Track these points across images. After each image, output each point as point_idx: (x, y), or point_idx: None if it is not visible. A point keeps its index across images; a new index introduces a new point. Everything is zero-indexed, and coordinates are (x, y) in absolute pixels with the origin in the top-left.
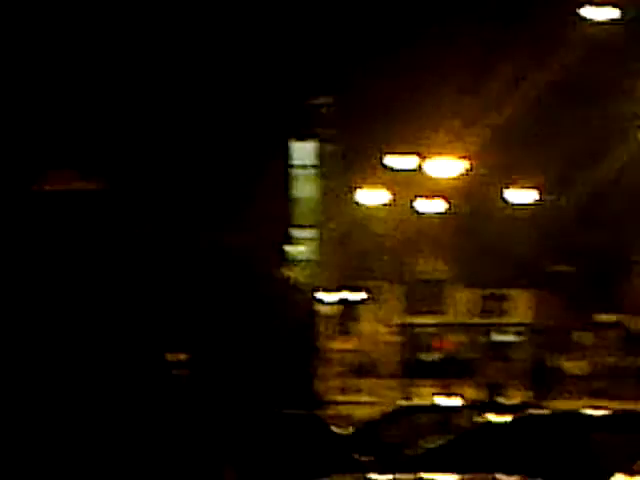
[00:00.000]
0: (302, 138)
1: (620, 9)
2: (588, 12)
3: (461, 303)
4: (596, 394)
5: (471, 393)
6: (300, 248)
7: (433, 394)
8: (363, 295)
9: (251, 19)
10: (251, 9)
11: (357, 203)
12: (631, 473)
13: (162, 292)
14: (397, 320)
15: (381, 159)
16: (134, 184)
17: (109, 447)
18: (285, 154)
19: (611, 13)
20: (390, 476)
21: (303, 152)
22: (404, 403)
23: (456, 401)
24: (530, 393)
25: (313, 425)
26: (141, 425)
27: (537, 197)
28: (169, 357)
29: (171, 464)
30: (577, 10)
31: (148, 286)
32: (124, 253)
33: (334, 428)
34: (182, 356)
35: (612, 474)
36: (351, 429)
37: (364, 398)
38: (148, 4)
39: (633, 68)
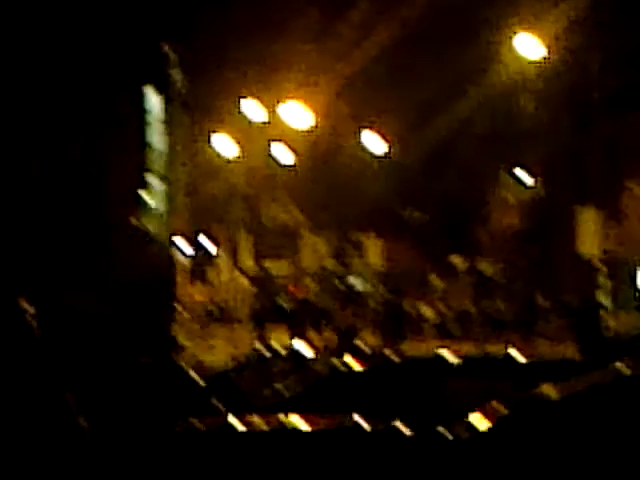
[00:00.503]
0: (153, 86)
1: None
2: None
3: (315, 249)
4: (450, 337)
5: (327, 338)
6: (153, 197)
7: (290, 340)
8: (217, 243)
9: None
10: None
11: (210, 152)
12: (484, 413)
13: (10, 238)
14: (251, 267)
15: (234, 108)
16: None
17: None
18: (136, 102)
19: None
20: (248, 418)
21: (155, 101)
22: (259, 349)
23: (312, 347)
24: (386, 337)
25: (170, 371)
26: None
27: (389, 144)
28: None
29: (18, 412)
30: None
31: None
32: None
33: (190, 374)
34: (29, 305)
35: (466, 415)
36: (208, 375)
37: (220, 344)
38: None
39: (481, 16)
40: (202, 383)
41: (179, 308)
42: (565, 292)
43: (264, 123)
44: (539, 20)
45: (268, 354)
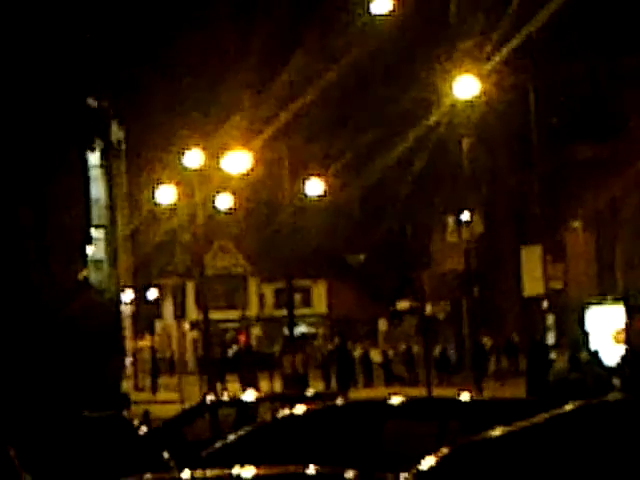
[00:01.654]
0: (94, 140)
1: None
2: (373, 6)
3: (259, 296)
4: (395, 380)
5: (273, 385)
6: (96, 248)
7: (239, 388)
8: (160, 292)
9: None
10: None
11: (149, 201)
12: (436, 458)
13: None
14: (196, 316)
15: (175, 158)
16: None
17: None
18: (78, 155)
19: (390, 4)
20: (197, 472)
21: (96, 154)
22: (207, 398)
23: (258, 394)
24: (332, 383)
25: (117, 425)
26: None
27: (327, 188)
28: None
29: None
30: (361, 4)
31: None
32: None
33: (138, 427)
34: None
35: (415, 461)
36: (155, 427)
37: (167, 395)
38: None
39: (417, 55)
40: (151, 436)
41: (128, 360)
42: (511, 332)
43: (206, 172)
44: (475, 60)
45: (216, 403)
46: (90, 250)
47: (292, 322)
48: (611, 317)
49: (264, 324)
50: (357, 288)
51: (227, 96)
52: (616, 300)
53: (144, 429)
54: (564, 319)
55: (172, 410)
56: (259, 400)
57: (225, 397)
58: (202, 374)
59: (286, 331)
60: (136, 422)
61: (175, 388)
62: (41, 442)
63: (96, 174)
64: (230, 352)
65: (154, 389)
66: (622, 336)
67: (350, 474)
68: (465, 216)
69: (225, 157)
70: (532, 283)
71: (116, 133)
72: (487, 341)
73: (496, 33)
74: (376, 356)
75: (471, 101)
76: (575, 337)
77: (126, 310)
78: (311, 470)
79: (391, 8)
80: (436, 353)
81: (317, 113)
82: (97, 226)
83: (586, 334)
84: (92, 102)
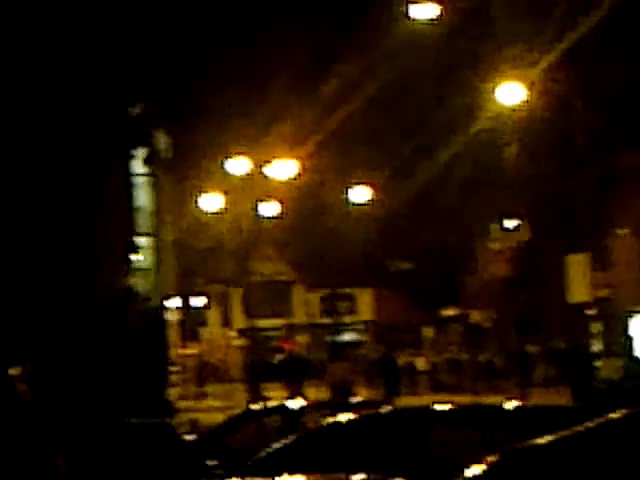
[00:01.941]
0: (137, 146)
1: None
2: (414, 12)
3: (305, 304)
4: (441, 388)
5: (319, 393)
6: (142, 256)
7: (284, 395)
8: (207, 300)
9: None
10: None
11: (195, 209)
12: (483, 466)
13: (3, 304)
14: (242, 323)
15: (221, 165)
16: None
17: None
18: (122, 163)
19: (434, 11)
20: None
21: (139, 160)
22: (252, 406)
23: (304, 402)
24: (378, 390)
25: (163, 433)
26: None
27: (373, 195)
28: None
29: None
30: (403, 10)
31: None
32: None
33: (183, 435)
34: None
35: (459, 469)
36: (200, 435)
37: (212, 403)
38: None
39: (461, 62)
40: (197, 443)
41: (172, 367)
42: (556, 339)
43: (251, 179)
44: (521, 66)
45: (262, 411)
46: (135, 258)
47: (337, 330)
48: None
49: (310, 331)
50: (402, 295)
51: (273, 103)
52: None
53: (190, 437)
54: (610, 327)
55: (218, 418)
56: (305, 408)
57: (271, 405)
58: (247, 382)
59: (331, 338)
60: (182, 430)
61: (221, 396)
62: (87, 449)
63: (141, 182)
64: (275, 359)
65: (200, 397)
66: None
67: None
68: (510, 223)
69: (271, 164)
70: (578, 290)
71: (161, 140)
72: (532, 348)
73: (541, 39)
74: (421, 364)
75: (516, 107)
76: (620, 344)
77: (172, 318)
78: (357, 478)
79: (435, 15)
80: (482, 360)
81: (362, 120)
82: (142, 234)
83: (630, 341)
84: (136, 109)
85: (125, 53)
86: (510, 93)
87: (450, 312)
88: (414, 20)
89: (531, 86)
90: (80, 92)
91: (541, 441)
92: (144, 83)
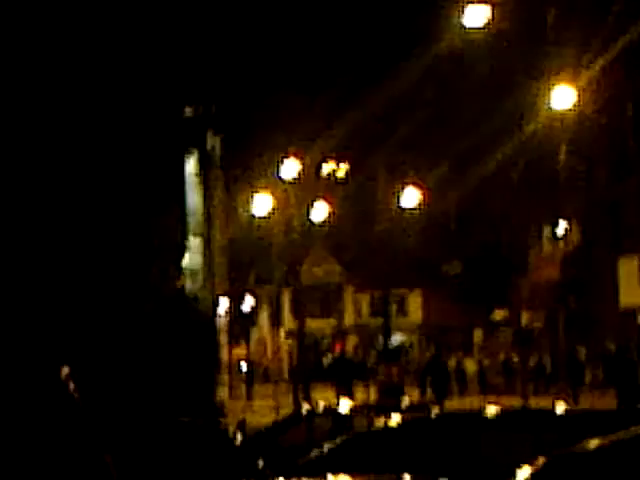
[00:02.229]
0: (191, 149)
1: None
2: (467, 17)
3: (354, 305)
4: (490, 390)
5: (368, 395)
6: (192, 257)
7: (334, 397)
8: (256, 301)
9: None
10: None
11: (246, 210)
12: (531, 469)
13: (54, 305)
14: (292, 324)
15: (272, 165)
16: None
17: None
18: (176, 164)
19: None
20: None
21: (193, 163)
22: (302, 407)
23: (353, 403)
24: (428, 393)
25: (212, 433)
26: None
27: (423, 197)
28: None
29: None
30: (456, 17)
31: (39, 300)
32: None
33: (234, 435)
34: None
35: (510, 472)
36: (250, 435)
37: (262, 403)
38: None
39: (514, 65)
40: (246, 444)
41: (223, 368)
42: (606, 342)
43: (302, 181)
44: (572, 70)
45: (312, 412)
46: (186, 259)
47: (388, 331)
48: None
49: (359, 333)
50: (452, 297)
51: (326, 105)
52: None
53: (240, 437)
54: None
55: (267, 419)
56: (354, 410)
57: (320, 406)
58: (297, 383)
59: (381, 340)
60: (232, 430)
61: (270, 396)
62: (137, 449)
63: (193, 183)
64: (325, 361)
65: (249, 397)
66: None
67: None
68: (562, 226)
69: (323, 166)
70: (629, 293)
71: (213, 141)
72: (582, 351)
73: (594, 43)
74: (471, 366)
75: (569, 111)
76: None
77: (222, 318)
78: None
79: (487, 19)
80: (532, 363)
81: (413, 123)
82: (194, 235)
83: None
84: (188, 111)
85: (181, 54)
86: (562, 96)
87: (500, 314)
88: (466, 25)
89: (583, 90)
90: (136, 92)
91: (589, 445)
92: (199, 84)
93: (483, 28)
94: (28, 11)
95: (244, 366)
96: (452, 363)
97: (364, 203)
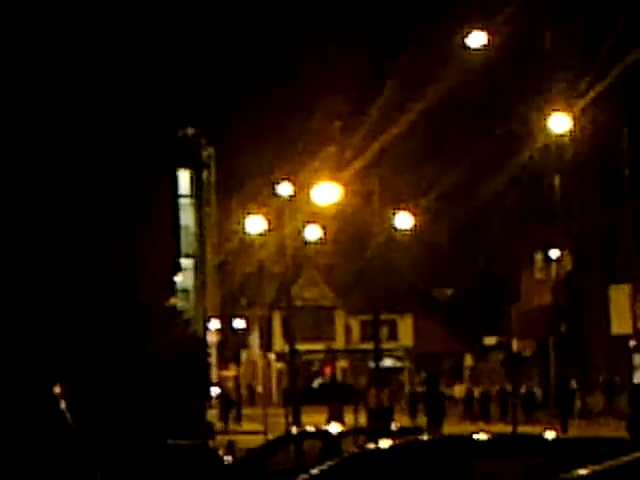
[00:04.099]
0: (185, 169)
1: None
2: (468, 40)
3: (345, 329)
4: (478, 417)
5: (358, 418)
6: (184, 278)
7: (323, 420)
8: (246, 323)
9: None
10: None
11: (238, 231)
12: None
13: (47, 325)
14: (282, 347)
15: (265, 187)
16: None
17: None
18: (168, 185)
19: (484, 39)
20: None
21: (186, 183)
22: (291, 429)
23: (343, 427)
24: (417, 417)
25: (202, 454)
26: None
27: (416, 221)
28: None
29: None
30: (458, 39)
31: (34, 319)
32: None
33: (223, 457)
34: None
35: None
36: (239, 457)
37: (251, 426)
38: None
39: (510, 90)
40: (235, 466)
41: (213, 389)
42: (598, 371)
43: (295, 203)
44: (568, 97)
45: (301, 435)
46: (179, 279)
47: (378, 355)
48: None
49: (350, 357)
50: (444, 323)
51: (317, 128)
52: None
53: (229, 459)
54: None
55: (256, 441)
56: (343, 433)
57: (310, 429)
58: (286, 405)
59: (372, 364)
60: (221, 452)
61: (259, 419)
62: (128, 469)
63: (186, 203)
64: (315, 384)
65: (239, 419)
66: None
67: None
68: (554, 253)
69: (315, 188)
70: (620, 321)
71: (206, 163)
72: (572, 379)
73: (589, 70)
74: (460, 392)
75: (563, 137)
76: None
77: (212, 340)
78: None
79: (485, 42)
80: (522, 390)
81: (407, 145)
82: (186, 255)
83: None
84: (183, 132)
85: (176, 76)
86: (558, 123)
87: (491, 340)
88: (464, 46)
89: (577, 117)
90: (130, 113)
91: (583, 472)
92: (193, 107)
93: (482, 49)
94: (29, 34)
95: (234, 387)
96: (441, 388)
97: (357, 226)
